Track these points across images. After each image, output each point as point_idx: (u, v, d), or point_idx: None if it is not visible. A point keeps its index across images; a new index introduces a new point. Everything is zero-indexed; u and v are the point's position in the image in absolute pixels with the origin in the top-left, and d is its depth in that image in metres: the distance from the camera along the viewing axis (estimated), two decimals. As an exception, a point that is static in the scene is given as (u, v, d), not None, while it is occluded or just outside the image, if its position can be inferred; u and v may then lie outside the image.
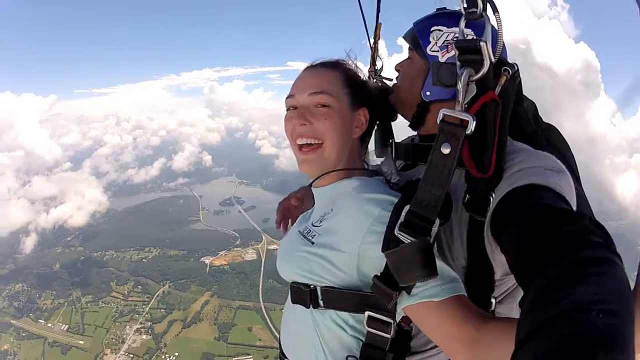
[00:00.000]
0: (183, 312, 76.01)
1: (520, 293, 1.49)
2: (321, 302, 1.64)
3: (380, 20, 2.62)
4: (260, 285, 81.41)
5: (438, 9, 1.93)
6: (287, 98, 1.86)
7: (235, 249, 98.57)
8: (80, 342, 68.18)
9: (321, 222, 1.74)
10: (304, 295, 1.67)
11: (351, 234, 1.57)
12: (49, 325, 72.31)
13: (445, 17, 1.81)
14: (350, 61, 1.96)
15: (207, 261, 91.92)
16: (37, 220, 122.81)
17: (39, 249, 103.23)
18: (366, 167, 1.94)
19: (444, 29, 1.75)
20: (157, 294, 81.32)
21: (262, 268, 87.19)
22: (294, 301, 1.76)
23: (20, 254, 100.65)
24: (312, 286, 1.65)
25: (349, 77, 1.86)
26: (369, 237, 1.51)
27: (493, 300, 1.63)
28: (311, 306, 1.67)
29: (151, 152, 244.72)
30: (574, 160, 1.88)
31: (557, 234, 1.07)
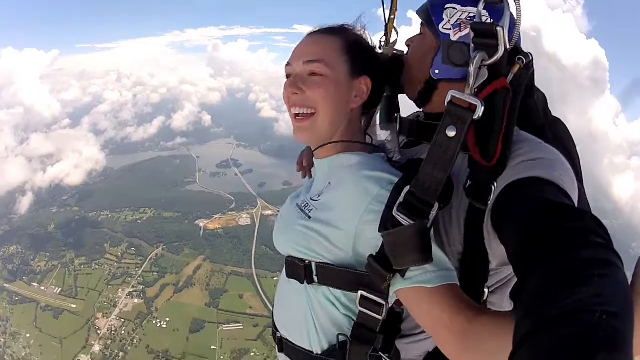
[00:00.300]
0: (175, 276, 76.28)
1: (510, 285, 1.54)
2: (315, 278, 1.63)
3: None
4: (253, 252, 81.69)
5: None
6: (285, 66, 1.85)
7: (230, 212, 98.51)
8: (73, 305, 68.73)
9: (319, 196, 1.74)
10: (299, 270, 1.67)
11: (349, 211, 1.55)
12: (42, 288, 72.55)
13: None
14: (359, 26, 1.91)
15: (201, 224, 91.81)
16: (33, 179, 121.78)
17: (34, 208, 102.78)
18: (370, 141, 1.93)
19: (458, 7, 1.71)
20: (150, 256, 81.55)
21: (256, 234, 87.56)
22: (288, 275, 1.76)
23: (16, 214, 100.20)
24: (307, 261, 1.64)
25: (350, 42, 1.81)
26: (366, 216, 1.50)
27: (486, 290, 1.62)
28: (305, 281, 1.66)
29: (150, 110, 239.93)
30: (578, 156, 1.86)
31: (559, 230, 1.06)
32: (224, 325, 65.75)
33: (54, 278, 75.17)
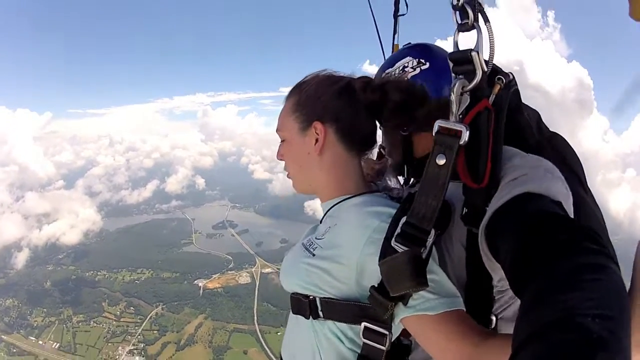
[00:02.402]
0: (177, 334, 75.06)
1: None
2: (320, 313, 1.65)
3: (397, 42, 2.98)
4: (255, 308, 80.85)
5: (404, 46, 2.07)
6: None
7: (229, 272, 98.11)
8: None
9: (324, 235, 1.75)
10: (304, 305, 1.69)
11: (351, 246, 1.58)
12: (40, 342, 71.07)
13: (411, 50, 1.95)
14: (326, 71, 1.90)
15: (200, 284, 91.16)
16: (29, 236, 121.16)
17: (30, 265, 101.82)
18: (373, 184, 1.96)
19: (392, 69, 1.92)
20: (150, 315, 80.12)
21: (257, 291, 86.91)
22: (294, 312, 1.78)
23: (12, 269, 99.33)
24: (310, 297, 1.67)
25: (301, 98, 1.84)
26: (367, 249, 1.52)
27: (493, 318, 1.61)
28: (311, 317, 1.68)
29: (144, 174, 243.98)
30: (582, 167, 1.84)
31: (552, 241, 1.07)
32: (230, 381, 63.19)
33: (52, 333, 73.47)
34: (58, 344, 70.92)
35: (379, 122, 1.89)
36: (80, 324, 76.64)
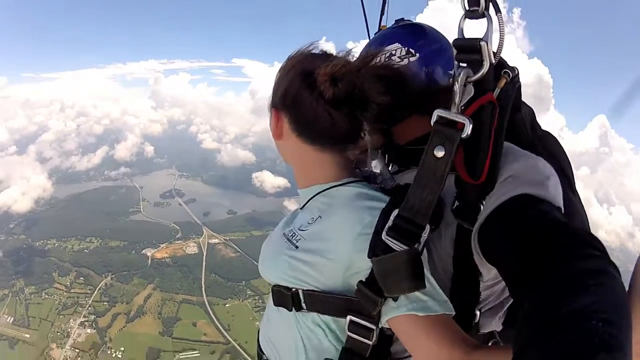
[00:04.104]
0: (126, 305, 75.82)
1: (502, 307, 1.67)
2: (304, 305, 1.59)
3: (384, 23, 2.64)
4: (203, 280, 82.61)
5: (397, 21, 2.04)
6: None
7: (176, 241, 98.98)
8: (26, 335, 66.97)
9: (307, 226, 1.67)
10: (286, 298, 1.62)
11: (340, 241, 1.51)
12: None
13: (401, 35, 1.87)
14: (314, 46, 1.73)
15: (148, 253, 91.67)
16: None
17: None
18: (357, 169, 1.85)
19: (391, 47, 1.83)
20: (99, 286, 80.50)
21: (204, 262, 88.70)
22: (275, 304, 1.71)
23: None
24: (293, 289, 1.60)
25: (276, 75, 1.77)
26: (358, 244, 1.44)
27: (477, 312, 1.63)
28: (294, 309, 1.62)
29: (94, 140, 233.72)
30: (571, 167, 1.86)
31: (553, 247, 1.06)
32: (180, 354, 66.13)
33: (6, 307, 72.97)
34: (12, 318, 70.48)
35: (353, 114, 1.62)
36: (32, 295, 76.09)
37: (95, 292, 79.22)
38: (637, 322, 0.96)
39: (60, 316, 72.49)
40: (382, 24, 2.74)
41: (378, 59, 1.62)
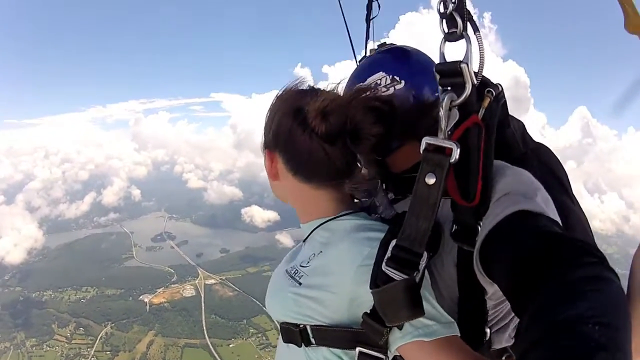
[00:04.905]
0: (129, 353, 75.64)
1: (512, 323, 1.67)
2: (313, 340, 1.58)
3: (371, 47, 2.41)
4: (204, 322, 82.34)
5: (379, 45, 2.05)
6: None
7: (172, 285, 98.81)
8: None
9: (309, 262, 1.67)
10: (295, 335, 1.62)
11: (341, 274, 1.51)
12: None
13: (383, 61, 1.88)
14: (299, 82, 1.73)
15: (146, 299, 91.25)
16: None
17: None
18: (357, 200, 1.88)
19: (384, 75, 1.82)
20: (100, 335, 79.74)
21: (203, 304, 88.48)
22: (285, 340, 1.71)
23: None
24: (301, 325, 1.59)
25: (266, 116, 1.77)
26: (359, 276, 1.44)
27: (488, 331, 1.63)
28: (303, 344, 1.61)
29: (80, 187, 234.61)
30: (567, 176, 1.85)
31: (551, 258, 1.07)
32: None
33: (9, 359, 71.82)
34: (16, 372, 68.68)
35: (347, 148, 1.63)
36: (34, 348, 75.27)
37: (97, 342, 78.41)
38: (638, 321, 1.00)
39: (65, 369, 70.69)
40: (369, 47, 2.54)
41: (368, 91, 1.65)
